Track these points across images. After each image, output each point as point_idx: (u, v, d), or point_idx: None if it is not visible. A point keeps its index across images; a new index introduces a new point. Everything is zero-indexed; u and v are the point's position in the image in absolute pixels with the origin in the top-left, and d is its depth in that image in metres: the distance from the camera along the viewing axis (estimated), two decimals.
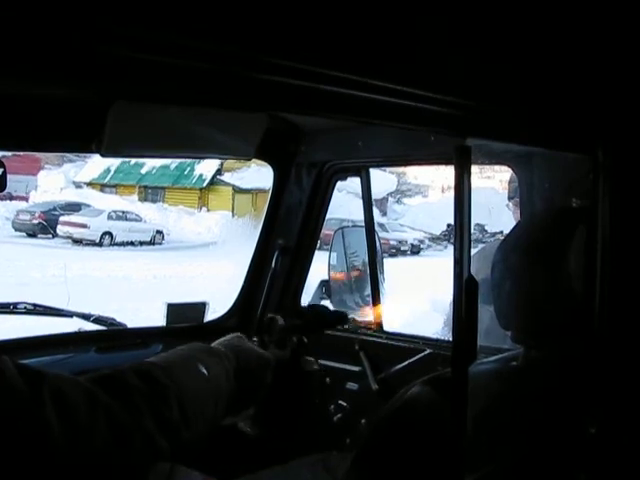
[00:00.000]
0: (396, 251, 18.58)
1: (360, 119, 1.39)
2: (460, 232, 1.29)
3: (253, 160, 2.94)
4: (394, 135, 2.55)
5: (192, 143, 2.59)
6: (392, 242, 18.52)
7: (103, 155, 2.43)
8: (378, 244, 2.97)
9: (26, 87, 1.88)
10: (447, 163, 2.81)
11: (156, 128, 2.42)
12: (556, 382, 1.54)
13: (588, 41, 1.40)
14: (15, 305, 2.71)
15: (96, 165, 25.59)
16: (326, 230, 3.18)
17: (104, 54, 0.78)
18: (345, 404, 2.88)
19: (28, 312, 2.73)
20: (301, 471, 2.68)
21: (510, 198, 3.17)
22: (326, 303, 3.12)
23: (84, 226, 19.79)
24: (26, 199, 22.66)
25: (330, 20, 1.02)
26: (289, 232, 3.05)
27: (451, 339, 2.65)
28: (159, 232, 21.10)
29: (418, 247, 20.65)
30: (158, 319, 3.00)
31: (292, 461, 2.70)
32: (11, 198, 21.13)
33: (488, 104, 1.33)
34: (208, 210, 23.55)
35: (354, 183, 3.01)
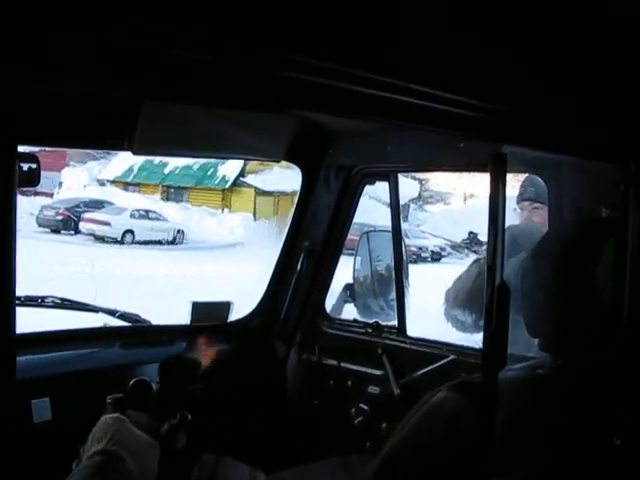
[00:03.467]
0: (417, 257, 18.50)
1: (394, 122, 1.39)
2: (493, 239, 1.30)
3: (276, 162, 2.95)
4: (423, 141, 2.55)
5: (222, 143, 2.62)
6: (413, 248, 18.43)
7: (134, 153, 2.46)
8: (404, 249, 2.98)
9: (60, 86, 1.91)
10: (476, 170, 2.82)
11: (187, 128, 2.45)
12: (582, 391, 1.53)
13: (625, 51, 1.40)
14: (43, 299, 2.74)
15: (120, 163, 25.67)
16: (350, 235, 3.18)
17: (135, 50, 0.79)
18: (366, 407, 2.89)
19: (56, 306, 2.76)
20: (320, 473, 2.68)
21: (521, 201, 3.15)
22: (350, 306, 3.13)
23: (106, 224, 19.87)
24: (50, 195, 22.76)
25: (364, 21, 1.03)
26: (315, 235, 3.06)
27: (473, 346, 2.66)
28: (181, 232, 21.13)
29: (439, 254, 20.54)
30: (180, 318, 3.02)
31: (312, 463, 2.71)
32: (36, 194, 21.24)
33: (524, 111, 1.34)
34: (230, 211, 23.57)
35: (376, 188, 3.02)
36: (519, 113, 1.32)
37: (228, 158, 6.13)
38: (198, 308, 2.95)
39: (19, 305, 2.71)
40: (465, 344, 2.76)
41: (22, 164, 2.13)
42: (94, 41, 0.74)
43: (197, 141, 2.56)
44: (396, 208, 2.88)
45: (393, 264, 2.99)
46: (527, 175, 2.87)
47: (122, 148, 2.45)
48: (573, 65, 1.35)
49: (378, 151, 2.79)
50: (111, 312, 2.87)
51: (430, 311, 3.29)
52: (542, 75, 1.34)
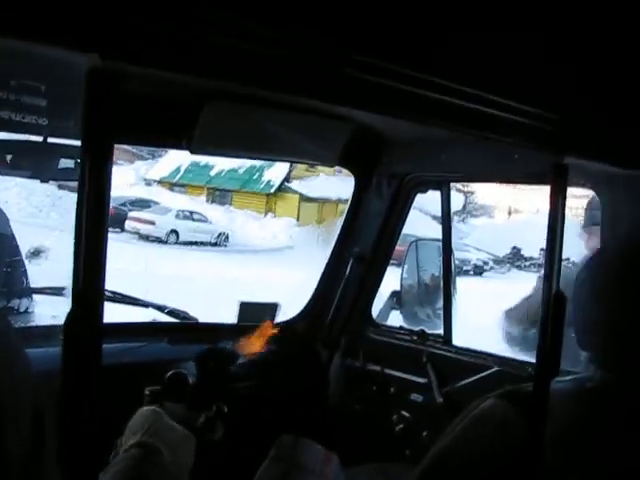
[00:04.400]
0: (459, 270, 18.42)
1: (457, 129, 1.41)
2: (551, 249, 1.31)
3: (321, 169, 2.98)
4: (477, 151, 2.55)
5: (278, 146, 2.65)
6: (455, 261, 18.29)
7: (192, 152, 2.50)
8: (453, 260, 2.99)
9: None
10: (530, 182, 2.81)
11: (245, 129, 2.49)
12: (633, 407, 1.53)
13: None
14: (61, 289, 2.76)
15: (167, 164, 25.93)
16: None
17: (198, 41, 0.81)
18: (408, 415, 2.89)
19: (107, 299, 2.80)
20: (359, 479, 2.69)
21: (589, 225, 3.09)
22: (396, 314, 3.14)
23: (152, 223, 20.09)
24: None
25: (431, 25, 1.05)
26: (365, 241, 3.08)
27: (518, 358, 2.65)
28: (224, 234, 21.29)
29: (481, 268, 20.41)
30: (225, 318, 3.04)
31: (349, 468, 2.72)
32: None
33: (586, 122, 1.34)
34: (274, 216, 23.67)
35: (418, 198, 3.03)
36: (582, 124, 1.33)
37: (283, 160, 6.17)
38: (245, 308, 2.98)
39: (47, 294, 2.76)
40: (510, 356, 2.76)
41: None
42: (170, 35, 0.77)
43: (254, 142, 2.59)
44: (447, 218, 2.89)
45: (440, 273, 3.00)
46: (592, 197, 2.84)
47: (181, 147, 2.49)
48: (638, 79, 1.35)
49: (431, 160, 2.80)
50: (160, 308, 2.91)
51: (474, 322, 3.29)
52: (606, 87, 1.35)
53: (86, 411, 0.76)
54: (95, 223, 0.71)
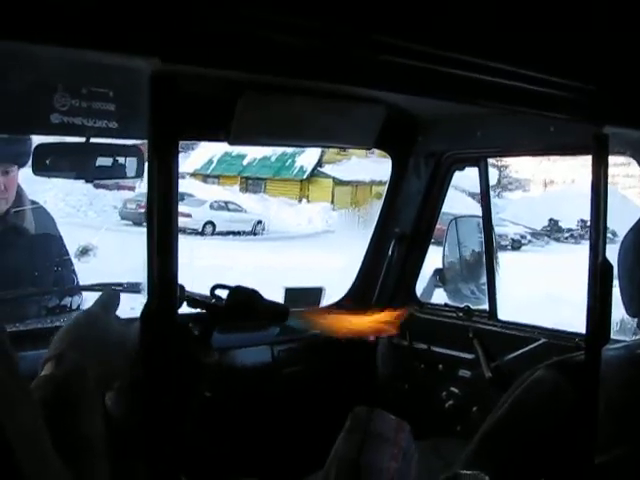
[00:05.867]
0: (497, 246, 18.24)
1: (493, 105, 1.42)
2: (596, 219, 1.33)
3: (352, 152, 2.99)
4: (512, 125, 2.56)
5: (314, 132, 2.68)
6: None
7: (231, 143, 2.54)
8: (494, 235, 3.00)
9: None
10: (566, 153, 2.81)
11: (281, 118, 2.52)
12: None
13: None
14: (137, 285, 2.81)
15: (199, 156, 26.00)
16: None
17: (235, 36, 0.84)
18: (457, 391, 2.91)
19: None
20: None
21: None
22: (440, 291, 3.16)
23: (188, 215, 20.13)
24: (132, 189, 23.21)
25: (460, 3, 1.07)
26: (406, 221, 3.10)
27: (565, 329, 2.65)
28: (260, 222, 21.32)
29: (519, 242, 20.22)
30: None
31: None
32: (119, 188, 21.69)
33: (624, 91, 1.35)
34: (308, 201, 23.66)
35: (455, 176, 3.05)
36: (620, 93, 1.34)
37: (320, 146, 6.19)
38: (291, 293, 3.02)
39: (123, 291, 2.82)
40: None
41: (118, 157, 2.22)
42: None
43: (290, 130, 2.62)
44: (486, 193, 2.89)
45: (482, 249, 3.02)
46: None
47: (218, 139, 2.53)
48: None
49: (467, 137, 2.81)
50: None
51: (518, 296, 3.29)
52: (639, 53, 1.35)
53: (167, 400, 0.80)
54: (166, 218, 0.75)
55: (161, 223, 0.75)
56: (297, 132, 2.67)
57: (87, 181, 2.50)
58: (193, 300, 1.62)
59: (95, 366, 1.18)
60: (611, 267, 1.33)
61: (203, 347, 1.53)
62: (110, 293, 1.41)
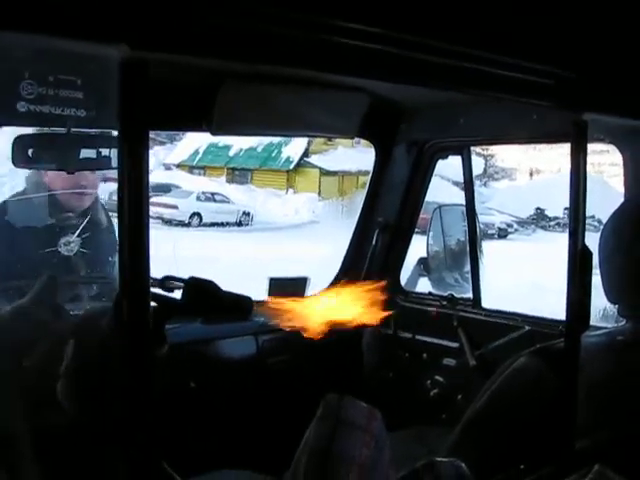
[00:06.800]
0: (483, 234, 18.27)
1: (472, 92, 1.42)
2: (576, 206, 1.33)
3: (339, 142, 2.99)
4: (495, 113, 2.55)
5: (297, 121, 2.67)
6: (480, 225, 18.13)
7: (213, 133, 2.52)
8: (477, 223, 3.00)
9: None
10: (549, 141, 2.80)
11: (263, 107, 2.50)
12: None
13: None
14: None
15: (185, 147, 25.90)
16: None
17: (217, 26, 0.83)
18: (442, 379, 2.92)
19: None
20: (396, 445, 2.71)
21: None
22: (424, 280, 3.16)
23: (174, 207, 20.08)
24: None
25: None
26: (389, 210, 3.10)
27: (549, 317, 2.65)
28: (246, 213, 21.26)
29: (505, 231, 20.28)
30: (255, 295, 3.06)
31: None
32: (105, 180, 21.57)
33: (604, 78, 1.35)
34: (295, 192, 23.61)
35: (439, 164, 3.04)
36: (599, 80, 1.34)
37: (303, 136, 6.18)
38: (275, 283, 3.01)
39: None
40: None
41: (101, 149, 2.21)
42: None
43: (273, 120, 2.61)
44: (470, 182, 2.89)
45: (466, 238, 3.02)
46: None
47: (200, 129, 2.51)
48: None
49: (450, 125, 2.81)
50: None
51: (503, 284, 3.29)
52: (620, 41, 1.35)
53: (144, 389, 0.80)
54: (137, 208, 0.74)
55: (132, 213, 0.75)
56: (279, 122, 2.66)
57: (69, 173, 2.47)
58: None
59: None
60: (591, 254, 1.33)
61: (155, 340, 1.43)
62: (45, 281, 1.38)
